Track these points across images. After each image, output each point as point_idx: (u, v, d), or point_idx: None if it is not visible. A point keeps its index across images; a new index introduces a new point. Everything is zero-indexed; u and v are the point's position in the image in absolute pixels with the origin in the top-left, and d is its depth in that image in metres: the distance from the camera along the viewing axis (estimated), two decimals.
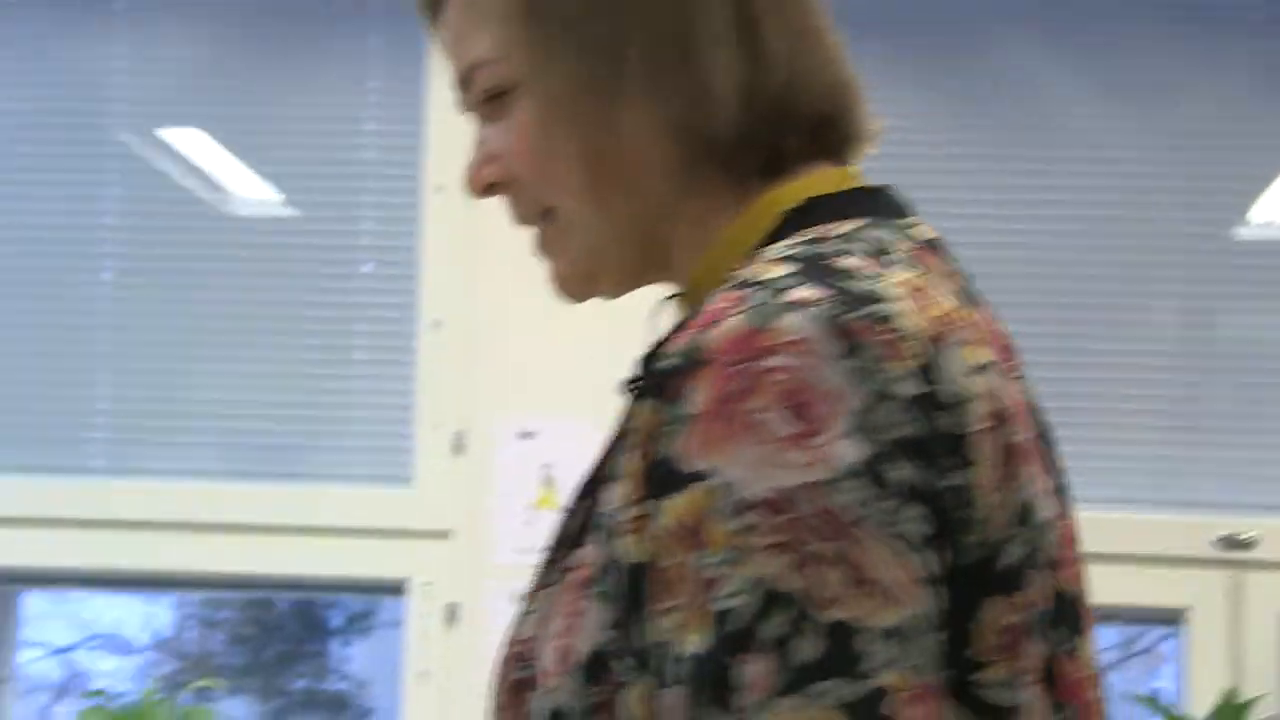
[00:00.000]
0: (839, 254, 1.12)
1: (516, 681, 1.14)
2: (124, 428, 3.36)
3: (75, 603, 5.70)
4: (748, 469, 1.03)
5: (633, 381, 1.15)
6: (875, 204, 1.21)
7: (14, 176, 3.41)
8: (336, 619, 6.57)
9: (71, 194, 3.40)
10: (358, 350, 3.34)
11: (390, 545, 3.28)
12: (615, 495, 1.09)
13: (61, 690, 5.74)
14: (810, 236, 1.16)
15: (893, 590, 1.03)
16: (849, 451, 1.04)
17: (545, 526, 3.14)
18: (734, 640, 1.02)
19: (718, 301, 1.08)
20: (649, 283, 1.27)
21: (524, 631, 1.16)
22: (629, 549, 1.07)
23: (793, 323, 1.05)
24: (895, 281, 1.11)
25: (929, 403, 1.07)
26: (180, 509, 3.30)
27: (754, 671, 1.01)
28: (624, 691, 1.08)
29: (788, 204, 1.20)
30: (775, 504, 1.02)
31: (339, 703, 6.29)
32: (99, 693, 3.31)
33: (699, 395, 1.05)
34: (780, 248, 1.15)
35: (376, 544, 3.28)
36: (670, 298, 1.26)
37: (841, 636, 1.01)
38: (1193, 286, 3.30)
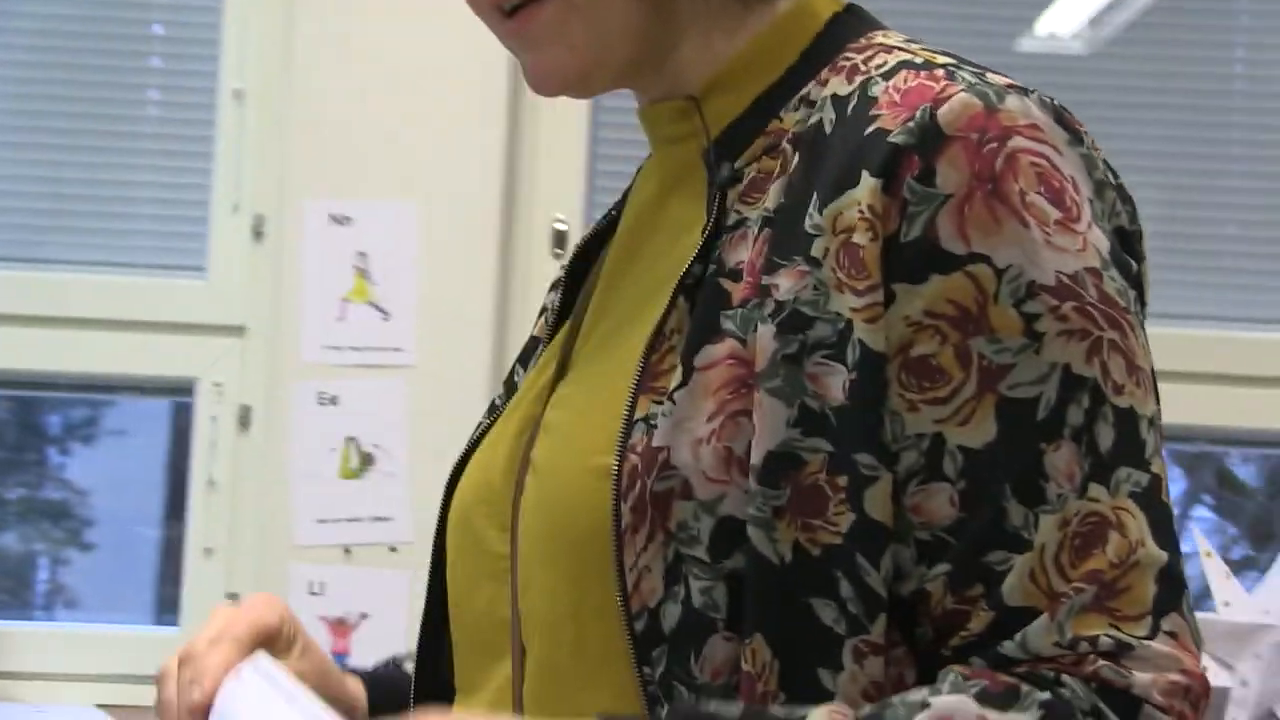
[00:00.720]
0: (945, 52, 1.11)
1: (658, 493, 1.03)
2: None
3: None
4: (1027, 252, 1.01)
5: (722, 170, 1.11)
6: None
7: None
8: (56, 425, 6.22)
9: None
10: (145, 123, 2.99)
11: (176, 341, 2.95)
12: (797, 283, 1.03)
13: None
14: (900, 40, 1.13)
15: (1150, 379, 1.04)
16: (1101, 238, 1.04)
17: (358, 322, 2.90)
18: (1041, 428, 1.00)
19: (910, 82, 1.05)
20: (629, 85, 1.19)
21: (652, 439, 1.04)
22: (866, 336, 1.01)
23: (1020, 106, 1.04)
24: None
25: (1124, 194, 1.09)
26: None
27: (1062, 459, 1.00)
28: (840, 492, 1.00)
29: (829, 11, 1.16)
30: (1064, 290, 1.01)
31: (59, 512, 5.93)
32: None
33: (951, 174, 1.01)
34: (895, 42, 1.12)
35: (160, 339, 2.95)
36: (683, 100, 1.17)
37: (1130, 424, 1.01)
38: None
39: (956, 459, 1.00)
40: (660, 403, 1.05)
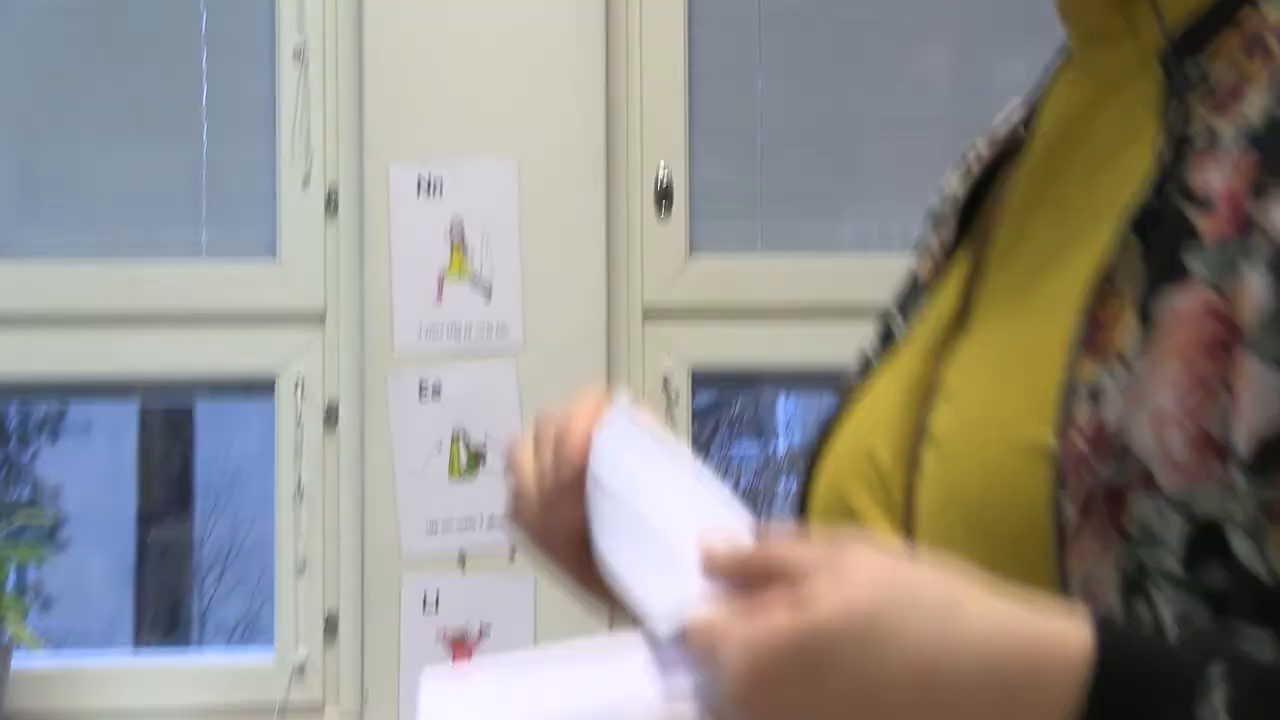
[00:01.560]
0: None
1: (1111, 485, 0.83)
2: None
3: None
4: None
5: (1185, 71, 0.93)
6: None
7: None
8: (16, 423, 6.02)
9: None
10: (197, 94, 2.64)
11: (249, 334, 2.62)
12: None
13: None
14: None
15: None
16: None
17: (458, 300, 2.59)
18: None
19: None
20: None
21: (1100, 413, 0.85)
22: None
23: None
24: None
25: None
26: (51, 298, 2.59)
27: None
28: None
29: None
30: None
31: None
32: None
33: None
34: None
35: (230, 334, 2.62)
36: None
37: None
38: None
39: None
40: (1109, 366, 0.86)
